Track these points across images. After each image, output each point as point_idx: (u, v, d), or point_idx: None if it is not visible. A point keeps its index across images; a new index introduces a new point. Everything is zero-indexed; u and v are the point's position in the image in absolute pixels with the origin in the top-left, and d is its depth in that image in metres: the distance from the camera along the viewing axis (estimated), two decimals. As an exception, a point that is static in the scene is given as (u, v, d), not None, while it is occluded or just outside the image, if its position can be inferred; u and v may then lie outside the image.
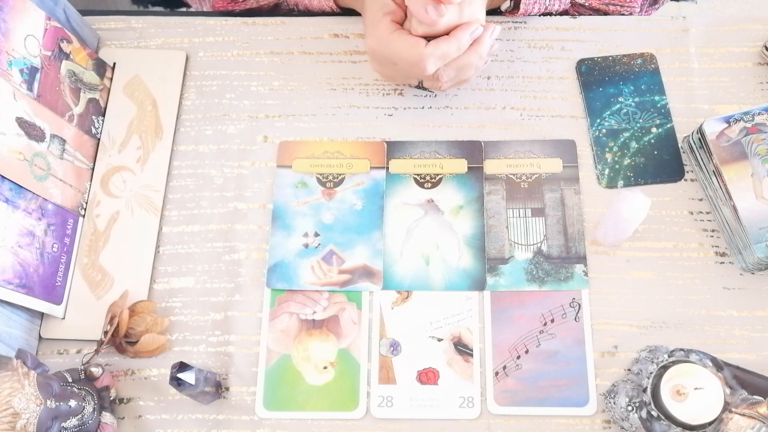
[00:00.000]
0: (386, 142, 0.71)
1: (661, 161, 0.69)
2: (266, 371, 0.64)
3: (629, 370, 0.63)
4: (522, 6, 0.72)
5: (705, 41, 0.73)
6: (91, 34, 0.73)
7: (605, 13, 0.76)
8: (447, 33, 0.63)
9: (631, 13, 0.76)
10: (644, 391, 0.58)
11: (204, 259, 0.67)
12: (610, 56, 0.73)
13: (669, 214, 0.67)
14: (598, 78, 0.72)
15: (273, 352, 0.64)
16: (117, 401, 0.63)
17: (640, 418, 0.58)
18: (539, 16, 0.74)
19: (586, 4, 0.75)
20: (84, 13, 0.72)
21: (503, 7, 0.74)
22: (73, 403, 0.56)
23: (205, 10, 0.78)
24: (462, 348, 0.64)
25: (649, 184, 0.68)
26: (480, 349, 0.64)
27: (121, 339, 0.63)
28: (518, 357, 0.63)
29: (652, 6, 0.79)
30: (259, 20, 0.76)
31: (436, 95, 0.72)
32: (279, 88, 0.73)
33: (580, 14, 0.76)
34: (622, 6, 0.75)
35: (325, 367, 0.64)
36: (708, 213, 0.67)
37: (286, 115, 0.72)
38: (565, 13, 0.75)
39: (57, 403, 0.54)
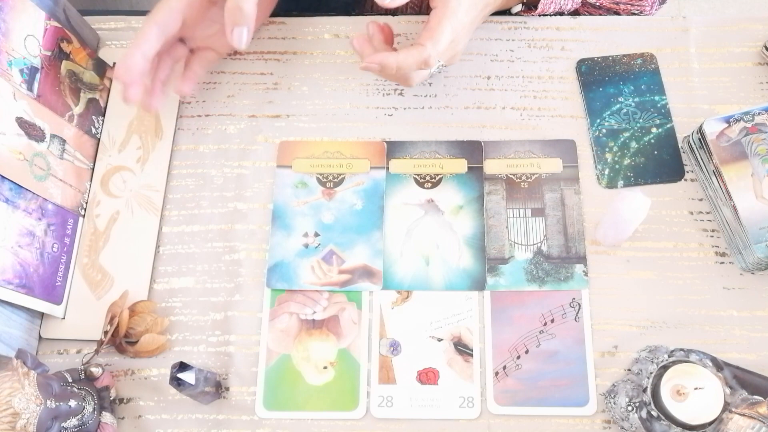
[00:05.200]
0: (386, 142, 0.71)
1: (661, 161, 0.69)
2: (266, 371, 0.64)
3: (629, 370, 0.63)
4: (540, 6, 0.72)
5: (705, 41, 0.73)
6: (91, 34, 0.73)
7: (616, 13, 0.76)
8: None
9: (641, 12, 0.76)
10: (644, 391, 0.58)
11: (204, 259, 0.67)
12: (610, 56, 0.73)
13: (669, 214, 0.67)
14: (598, 78, 0.72)
15: (273, 352, 0.64)
16: (117, 401, 0.63)
17: (640, 418, 0.58)
18: (540, 16, 0.74)
19: (597, 3, 0.75)
20: (84, 13, 0.72)
21: (514, 10, 0.74)
22: (73, 403, 0.56)
23: None
24: (462, 348, 0.64)
25: (649, 184, 0.68)
26: (480, 349, 0.64)
27: (121, 339, 0.63)
28: (518, 357, 0.63)
29: (661, 4, 0.78)
30: (268, 21, 0.76)
31: (436, 95, 0.72)
32: (279, 88, 0.73)
33: (590, 14, 0.76)
34: (632, 5, 0.75)
35: (325, 367, 0.64)
36: (708, 213, 0.67)
37: (286, 115, 0.72)
38: (569, 13, 0.75)
39: (57, 403, 0.54)
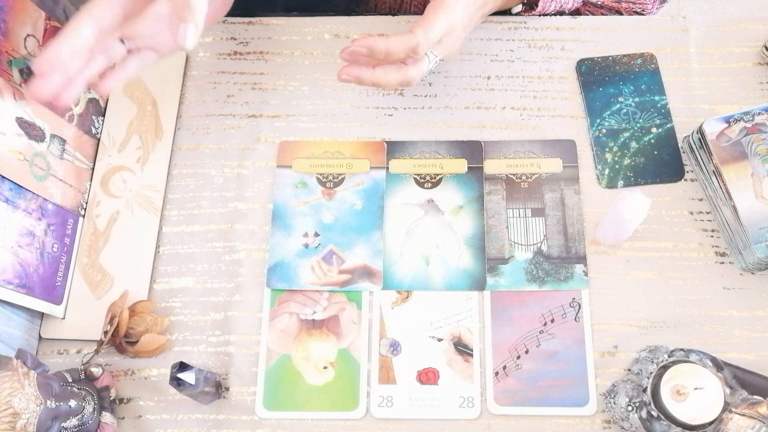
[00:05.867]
0: (386, 142, 0.71)
1: (661, 161, 0.69)
2: (266, 371, 0.64)
3: (629, 370, 0.63)
4: (540, 4, 0.72)
5: (705, 41, 0.73)
6: (91, 34, 0.73)
7: (618, 12, 0.76)
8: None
9: (643, 11, 0.76)
10: (644, 391, 0.58)
11: (204, 259, 0.67)
12: (610, 56, 0.73)
13: (669, 214, 0.67)
14: (598, 78, 0.72)
15: (273, 352, 0.64)
16: (117, 401, 0.63)
17: (640, 418, 0.58)
18: (540, 15, 0.74)
19: (599, 2, 0.74)
20: (84, 13, 0.72)
21: (514, 10, 0.74)
22: (73, 403, 0.56)
23: None
24: (462, 348, 0.64)
25: (649, 184, 0.68)
26: (480, 349, 0.64)
27: (121, 339, 0.63)
28: (518, 357, 0.63)
29: (662, 3, 0.78)
30: (259, 20, 0.76)
31: (436, 95, 0.72)
32: (279, 88, 0.73)
33: (592, 14, 0.76)
34: (634, 3, 0.75)
35: (325, 367, 0.64)
36: (708, 213, 0.67)
37: (286, 115, 0.72)
38: (570, 12, 0.75)
39: (57, 403, 0.54)
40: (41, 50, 0.54)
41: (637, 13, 0.76)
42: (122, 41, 0.59)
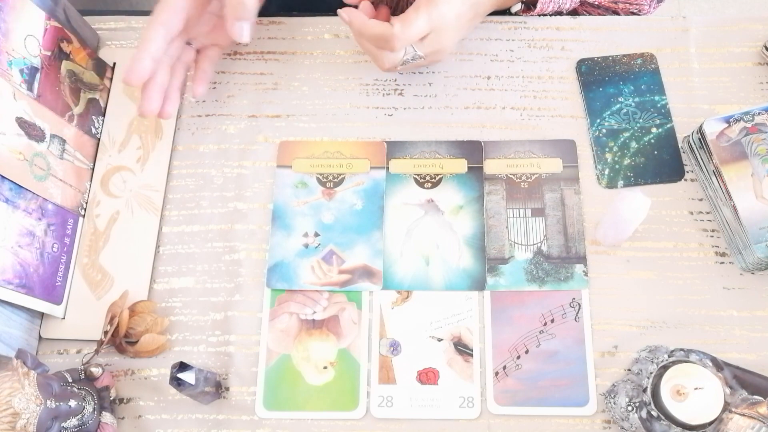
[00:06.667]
0: (386, 142, 0.71)
1: (661, 161, 0.69)
2: (266, 371, 0.64)
3: (629, 370, 0.63)
4: (538, 5, 0.72)
5: (705, 41, 0.73)
6: (91, 34, 0.73)
7: (615, 12, 0.76)
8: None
9: (640, 11, 0.76)
10: (644, 391, 0.58)
11: (204, 259, 0.67)
12: (610, 56, 0.73)
13: (669, 214, 0.67)
14: (598, 78, 0.72)
15: (273, 352, 0.64)
16: (117, 401, 0.63)
17: (640, 418, 0.58)
18: (539, 15, 0.74)
19: (596, 2, 0.74)
20: (84, 13, 0.72)
21: (513, 9, 0.74)
22: (73, 403, 0.56)
23: None
24: (462, 348, 0.64)
25: (649, 184, 0.68)
26: (480, 349, 0.64)
27: (121, 339, 0.63)
28: (518, 357, 0.63)
29: (658, 3, 0.78)
30: (259, 20, 0.76)
31: (436, 95, 0.72)
32: (279, 88, 0.73)
33: (589, 14, 0.76)
34: (630, 4, 0.75)
35: (325, 367, 0.64)
36: (708, 213, 0.67)
37: (286, 115, 0.72)
38: (568, 12, 0.75)
39: (57, 403, 0.54)
40: (128, 64, 0.61)
41: (633, 13, 0.76)
42: (189, 43, 0.69)
